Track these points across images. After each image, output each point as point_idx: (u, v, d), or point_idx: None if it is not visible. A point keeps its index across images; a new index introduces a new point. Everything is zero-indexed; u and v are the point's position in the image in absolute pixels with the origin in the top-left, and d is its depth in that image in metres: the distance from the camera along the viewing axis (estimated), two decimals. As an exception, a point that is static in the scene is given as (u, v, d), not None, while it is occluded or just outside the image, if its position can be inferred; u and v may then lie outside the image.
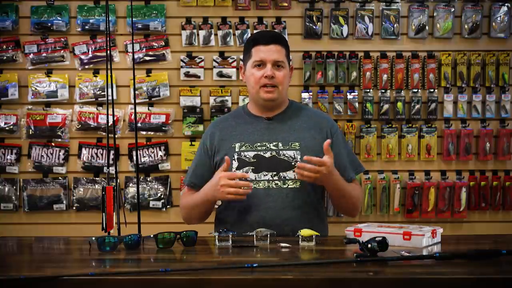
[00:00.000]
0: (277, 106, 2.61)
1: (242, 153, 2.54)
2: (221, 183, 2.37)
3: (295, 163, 2.49)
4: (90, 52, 3.70)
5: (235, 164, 2.54)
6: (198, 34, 3.71)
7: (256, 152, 2.53)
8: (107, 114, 2.53)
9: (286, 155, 2.52)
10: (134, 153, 3.64)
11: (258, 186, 2.49)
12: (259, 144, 2.55)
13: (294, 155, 2.52)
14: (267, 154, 2.53)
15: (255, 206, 2.49)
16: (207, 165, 2.62)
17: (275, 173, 2.50)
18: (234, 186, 2.36)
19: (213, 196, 2.46)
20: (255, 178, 2.51)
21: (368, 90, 3.72)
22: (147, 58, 3.71)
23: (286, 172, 2.50)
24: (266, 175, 2.51)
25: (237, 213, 2.52)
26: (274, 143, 2.55)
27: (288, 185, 2.50)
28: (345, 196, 2.53)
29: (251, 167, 2.52)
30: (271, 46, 2.53)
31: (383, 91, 3.71)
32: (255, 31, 3.66)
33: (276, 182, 2.50)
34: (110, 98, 2.65)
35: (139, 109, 3.69)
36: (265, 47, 2.53)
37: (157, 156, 3.69)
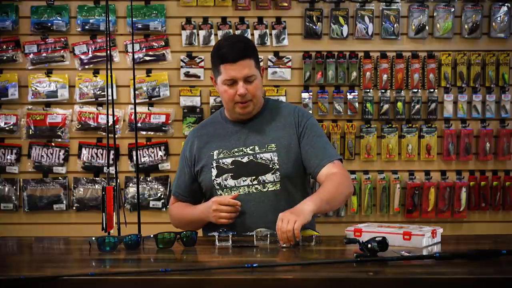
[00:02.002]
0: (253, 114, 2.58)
1: (220, 160, 2.52)
2: (213, 208, 2.39)
3: (273, 165, 2.47)
4: (90, 52, 3.70)
5: (214, 171, 2.52)
6: (198, 34, 3.71)
7: (233, 158, 2.51)
8: (107, 114, 2.53)
9: (263, 158, 2.49)
10: (134, 153, 3.64)
11: (239, 192, 2.47)
12: (236, 149, 2.52)
13: (271, 157, 2.49)
14: (245, 159, 2.50)
15: (239, 213, 2.44)
16: (188, 175, 2.62)
17: (254, 177, 2.48)
18: (225, 211, 2.38)
19: (207, 217, 2.46)
20: (235, 185, 2.49)
21: (368, 90, 3.72)
22: (147, 58, 3.71)
23: (265, 175, 2.47)
24: (246, 180, 2.49)
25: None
26: (251, 147, 2.52)
27: (268, 188, 2.48)
28: (329, 204, 2.38)
29: (230, 174, 2.49)
30: (239, 63, 2.44)
31: (383, 91, 3.71)
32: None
33: (256, 186, 2.48)
34: (110, 98, 2.64)
35: (139, 109, 3.69)
36: (233, 65, 2.44)
37: (157, 156, 3.69)
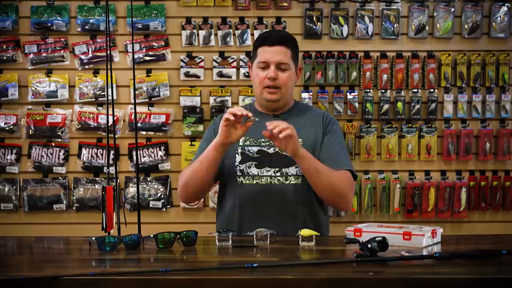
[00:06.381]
0: (281, 107, 2.62)
1: (246, 147, 2.54)
2: (227, 113, 2.34)
3: None
4: (90, 52, 3.70)
5: (238, 157, 2.53)
6: (198, 34, 3.71)
7: (260, 148, 2.54)
8: (107, 114, 2.53)
9: None
10: (134, 153, 3.64)
11: (261, 181, 2.50)
12: (263, 139, 2.54)
13: None
14: (271, 150, 2.53)
15: (258, 202, 2.49)
16: None
17: (277, 169, 2.51)
18: (238, 112, 2.32)
19: (219, 136, 2.38)
20: (258, 173, 2.51)
21: (368, 90, 3.72)
22: (147, 58, 3.71)
23: (288, 168, 2.50)
24: (269, 170, 2.51)
25: (240, 209, 2.51)
26: None
27: (290, 181, 2.51)
28: (319, 172, 2.41)
29: (254, 162, 2.51)
30: (276, 47, 2.52)
31: (383, 91, 3.71)
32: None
33: (279, 178, 2.50)
34: (110, 98, 2.64)
35: (139, 109, 3.69)
36: (270, 48, 2.53)
37: (157, 156, 3.69)
